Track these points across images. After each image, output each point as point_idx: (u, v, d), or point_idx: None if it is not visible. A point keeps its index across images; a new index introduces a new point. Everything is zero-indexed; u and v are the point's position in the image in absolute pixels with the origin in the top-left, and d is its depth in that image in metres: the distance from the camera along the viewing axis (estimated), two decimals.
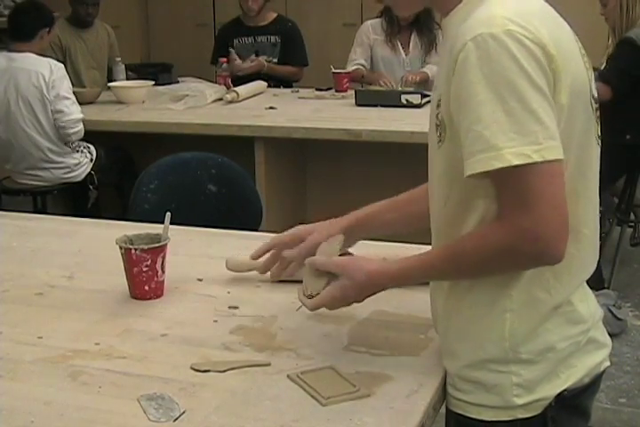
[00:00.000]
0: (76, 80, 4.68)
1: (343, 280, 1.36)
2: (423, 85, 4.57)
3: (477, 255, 1.23)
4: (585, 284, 1.38)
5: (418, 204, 1.51)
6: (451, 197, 1.29)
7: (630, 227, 4.36)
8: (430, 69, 4.61)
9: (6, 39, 3.97)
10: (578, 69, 1.26)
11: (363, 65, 4.68)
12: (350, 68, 4.67)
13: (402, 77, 4.47)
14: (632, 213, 4.26)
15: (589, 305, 1.36)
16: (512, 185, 1.17)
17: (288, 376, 1.34)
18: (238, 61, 4.72)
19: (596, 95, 1.33)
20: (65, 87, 3.78)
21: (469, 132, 1.17)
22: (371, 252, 1.76)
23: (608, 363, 1.40)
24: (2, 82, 3.75)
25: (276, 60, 4.90)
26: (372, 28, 4.67)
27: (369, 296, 1.37)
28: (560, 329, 1.30)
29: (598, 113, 1.34)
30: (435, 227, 1.39)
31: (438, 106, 1.27)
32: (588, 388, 1.36)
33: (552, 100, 1.18)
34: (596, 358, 1.37)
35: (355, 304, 1.39)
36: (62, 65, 3.85)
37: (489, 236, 1.21)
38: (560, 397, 1.30)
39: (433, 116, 1.29)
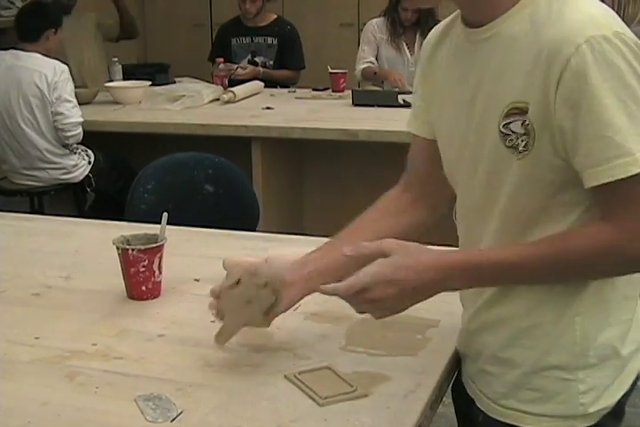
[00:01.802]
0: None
1: (395, 257, 1.17)
2: None
3: (584, 253, 1.17)
4: None
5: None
6: (526, 210, 1.22)
7: None
8: None
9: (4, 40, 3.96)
10: None
11: (372, 62, 4.68)
12: (361, 67, 4.66)
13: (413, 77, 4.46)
14: None
15: None
16: (632, 188, 1.13)
17: (285, 376, 1.34)
18: (237, 71, 4.74)
19: None
20: (68, 90, 3.78)
21: (597, 138, 1.13)
22: None
23: None
24: (5, 79, 3.76)
25: (272, 62, 4.90)
26: (377, 27, 4.67)
27: (430, 293, 1.21)
28: (622, 331, 1.27)
29: None
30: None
31: (510, 115, 1.18)
32: (633, 390, 1.33)
33: None
34: None
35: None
36: (67, 67, 3.83)
37: (597, 235, 1.16)
38: (618, 404, 1.28)
39: (499, 127, 1.20)
